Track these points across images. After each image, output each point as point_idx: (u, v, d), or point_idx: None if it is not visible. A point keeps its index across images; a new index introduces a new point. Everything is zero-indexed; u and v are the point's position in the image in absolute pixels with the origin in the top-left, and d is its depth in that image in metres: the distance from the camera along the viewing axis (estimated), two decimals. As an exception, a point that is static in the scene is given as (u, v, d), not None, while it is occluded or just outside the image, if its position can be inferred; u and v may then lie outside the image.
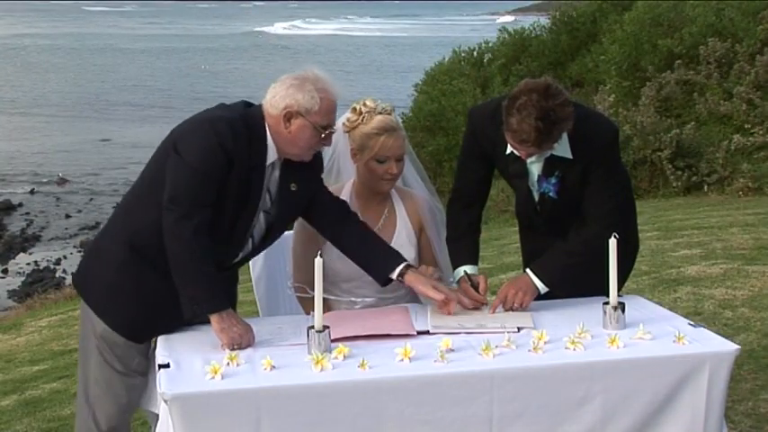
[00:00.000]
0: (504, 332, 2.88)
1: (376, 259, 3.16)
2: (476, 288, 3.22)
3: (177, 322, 2.97)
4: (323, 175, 3.35)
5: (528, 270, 3.25)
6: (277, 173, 3.07)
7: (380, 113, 3.30)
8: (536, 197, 3.33)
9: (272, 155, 3.01)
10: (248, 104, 3.07)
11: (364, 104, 3.32)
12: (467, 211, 3.41)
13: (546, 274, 3.21)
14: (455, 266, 3.34)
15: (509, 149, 3.21)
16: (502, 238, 8.95)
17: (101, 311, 3.01)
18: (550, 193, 3.26)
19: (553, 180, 3.24)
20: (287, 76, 3.01)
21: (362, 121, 3.29)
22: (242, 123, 2.94)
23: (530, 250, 3.54)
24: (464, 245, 3.37)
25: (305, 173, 3.12)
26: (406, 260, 3.15)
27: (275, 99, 2.97)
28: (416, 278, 3.11)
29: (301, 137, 2.98)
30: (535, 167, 3.27)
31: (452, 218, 3.42)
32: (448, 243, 3.41)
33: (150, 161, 3.05)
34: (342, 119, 3.36)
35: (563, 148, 3.16)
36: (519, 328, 2.95)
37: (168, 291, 2.91)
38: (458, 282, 3.29)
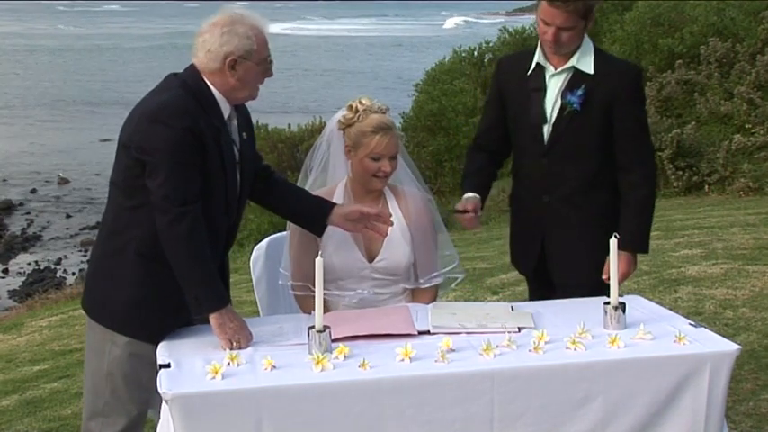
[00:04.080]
0: (504, 332, 2.88)
1: (310, 211, 3.26)
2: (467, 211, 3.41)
3: (189, 323, 3.00)
4: (314, 172, 3.41)
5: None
6: (235, 122, 3.08)
7: (376, 112, 3.33)
8: (548, 116, 3.40)
9: (225, 108, 3.01)
10: (174, 74, 3.04)
11: (360, 103, 3.36)
12: (482, 154, 3.63)
13: (633, 244, 3.39)
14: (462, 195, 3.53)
15: (531, 68, 3.43)
16: (502, 238, 8.95)
17: (124, 328, 2.98)
18: (575, 105, 3.35)
19: (579, 92, 3.35)
20: (211, 25, 2.98)
21: (358, 119, 3.32)
22: (188, 97, 2.92)
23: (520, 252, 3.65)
24: (472, 179, 3.57)
25: (245, 118, 3.16)
26: (332, 203, 3.27)
27: (211, 52, 2.94)
28: (341, 207, 3.25)
29: (250, 79, 2.98)
30: (554, 81, 3.40)
31: (469, 158, 3.67)
32: (462, 179, 3.61)
33: (116, 173, 3.01)
34: (337, 116, 3.40)
35: (586, 62, 3.36)
36: (519, 328, 2.95)
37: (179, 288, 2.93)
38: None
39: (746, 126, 12.66)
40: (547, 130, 3.42)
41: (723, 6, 15.05)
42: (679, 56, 14.39)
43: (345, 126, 3.36)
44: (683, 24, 15.01)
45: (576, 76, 3.37)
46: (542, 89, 3.42)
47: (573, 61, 3.37)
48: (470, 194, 3.48)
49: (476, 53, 20.16)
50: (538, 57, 3.43)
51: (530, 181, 3.54)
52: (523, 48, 19.55)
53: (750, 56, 13.64)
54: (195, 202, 2.86)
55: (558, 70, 3.40)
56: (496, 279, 6.71)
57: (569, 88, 3.37)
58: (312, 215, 3.25)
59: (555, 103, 3.39)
